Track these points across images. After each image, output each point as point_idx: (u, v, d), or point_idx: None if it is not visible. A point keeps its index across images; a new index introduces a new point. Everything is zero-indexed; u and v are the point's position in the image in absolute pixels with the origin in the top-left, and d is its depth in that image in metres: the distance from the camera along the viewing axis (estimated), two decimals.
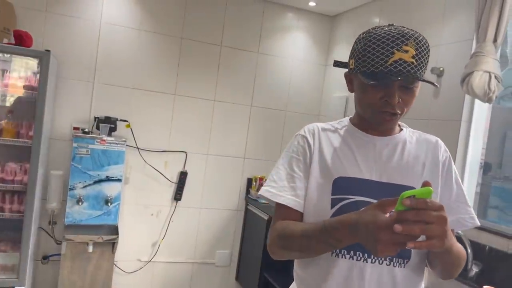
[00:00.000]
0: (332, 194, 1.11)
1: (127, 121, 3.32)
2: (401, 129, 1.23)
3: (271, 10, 3.70)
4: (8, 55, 2.88)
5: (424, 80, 1.05)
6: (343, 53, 3.66)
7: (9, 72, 2.92)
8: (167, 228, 3.54)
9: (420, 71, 1.05)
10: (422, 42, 1.05)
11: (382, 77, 1.04)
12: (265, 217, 3.27)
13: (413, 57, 1.03)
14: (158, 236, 3.54)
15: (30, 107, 2.88)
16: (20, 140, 2.82)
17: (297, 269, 1.22)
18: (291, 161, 1.19)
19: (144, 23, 3.38)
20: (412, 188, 1.09)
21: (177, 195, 3.53)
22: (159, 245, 3.53)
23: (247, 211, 3.72)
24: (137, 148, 3.38)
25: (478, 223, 1.17)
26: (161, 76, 3.46)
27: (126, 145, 3.16)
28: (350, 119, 1.25)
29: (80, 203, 2.99)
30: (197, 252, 3.68)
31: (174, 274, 3.63)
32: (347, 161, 1.15)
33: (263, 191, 1.18)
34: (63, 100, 3.21)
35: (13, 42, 2.83)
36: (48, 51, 2.79)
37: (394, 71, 1.02)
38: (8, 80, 2.86)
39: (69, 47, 3.19)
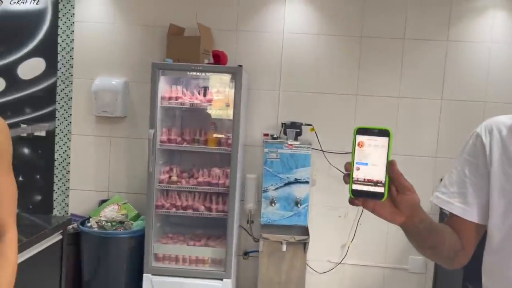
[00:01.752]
0: None
1: (311, 125, 3.42)
2: None
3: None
4: (208, 74, 3.27)
5: None
6: None
7: (209, 88, 3.32)
8: (356, 230, 3.50)
9: None
10: None
11: None
12: None
13: None
14: (347, 238, 3.53)
15: (227, 118, 3.23)
16: (222, 148, 3.18)
17: (484, 280, 1.08)
18: (464, 163, 1.06)
19: (323, 27, 3.43)
20: None
21: None
22: (348, 247, 3.51)
23: (441, 213, 3.40)
24: (322, 150, 3.44)
25: None
26: (342, 78, 3.45)
27: (312, 148, 3.25)
28: None
29: (273, 204, 3.20)
30: (388, 256, 3.53)
31: (364, 277, 3.56)
32: None
33: (434, 196, 1.09)
34: (253, 109, 3.49)
35: (212, 61, 3.21)
36: (241, 66, 3.07)
37: None
38: (210, 95, 3.25)
39: (257, 60, 3.46)
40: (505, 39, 3.33)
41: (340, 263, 3.53)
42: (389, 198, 0.84)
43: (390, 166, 0.82)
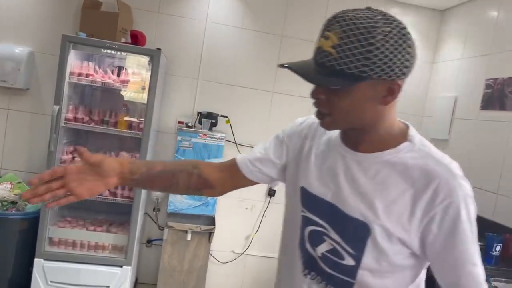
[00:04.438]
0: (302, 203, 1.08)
1: (227, 117, 3.44)
2: (404, 142, 0.93)
3: (376, 5, 3.53)
4: (125, 53, 3.13)
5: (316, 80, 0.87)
6: (453, 48, 3.40)
7: (125, 69, 3.18)
8: (260, 222, 3.61)
9: (341, 66, 0.83)
10: (354, 27, 0.82)
11: None
12: None
13: (333, 46, 0.83)
14: (251, 230, 3.62)
15: (141, 102, 3.12)
16: (132, 132, 3.07)
17: None
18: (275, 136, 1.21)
19: (247, 21, 3.46)
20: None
21: (271, 191, 3.57)
22: (252, 239, 3.61)
23: None
24: (235, 143, 3.48)
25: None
26: (260, 74, 3.52)
27: (225, 140, 3.27)
28: None
29: None
30: None
31: (265, 268, 3.68)
32: (311, 171, 1.04)
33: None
34: (170, 95, 3.42)
35: (129, 41, 3.08)
36: (159, 49, 2.98)
37: None
38: (124, 76, 3.11)
39: (178, 46, 3.39)
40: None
41: (243, 253, 3.61)
42: (89, 173, 1.04)
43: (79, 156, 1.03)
